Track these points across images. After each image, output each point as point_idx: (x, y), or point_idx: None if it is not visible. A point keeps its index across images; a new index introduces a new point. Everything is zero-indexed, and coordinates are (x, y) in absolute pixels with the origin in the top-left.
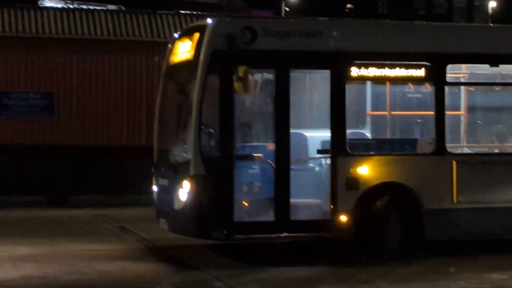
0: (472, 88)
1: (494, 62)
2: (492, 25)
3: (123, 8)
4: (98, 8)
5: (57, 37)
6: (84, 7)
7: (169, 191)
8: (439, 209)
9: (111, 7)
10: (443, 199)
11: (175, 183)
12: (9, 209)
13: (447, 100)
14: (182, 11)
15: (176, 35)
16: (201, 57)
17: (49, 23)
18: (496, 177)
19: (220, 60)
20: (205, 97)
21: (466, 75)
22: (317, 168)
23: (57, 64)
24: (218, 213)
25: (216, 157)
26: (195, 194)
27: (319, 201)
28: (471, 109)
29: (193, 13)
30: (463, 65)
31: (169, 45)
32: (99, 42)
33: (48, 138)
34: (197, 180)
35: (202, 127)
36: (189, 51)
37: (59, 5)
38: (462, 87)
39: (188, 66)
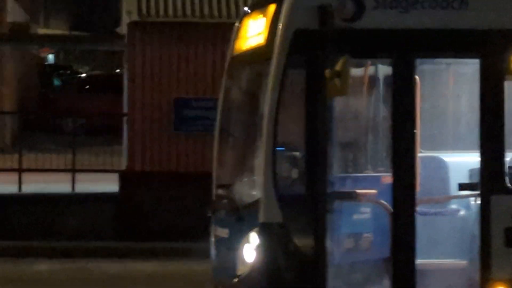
0: None
1: None
2: None
3: None
4: None
5: None
6: None
7: (230, 247)
8: None
9: None
10: None
11: (238, 236)
12: None
13: None
14: None
15: (246, 8)
16: (277, 41)
17: None
18: None
19: (307, 46)
20: (284, 103)
21: None
22: (461, 212)
23: None
24: (303, 283)
25: (299, 195)
26: (268, 253)
27: (463, 262)
28: None
29: None
30: None
31: (236, 24)
32: None
33: None
34: (270, 231)
35: (278, 149)
36: (260, 32)
37: None
38: None
39: (258, 55)
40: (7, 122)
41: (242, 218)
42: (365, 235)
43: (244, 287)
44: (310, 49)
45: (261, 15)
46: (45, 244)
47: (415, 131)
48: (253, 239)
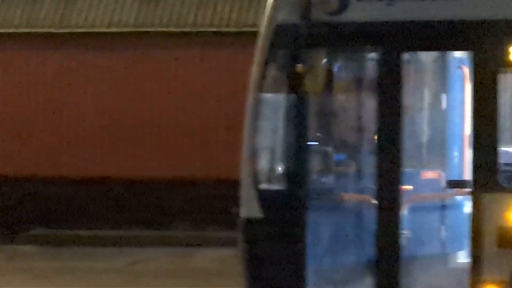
0: None
1: None
2: None
3: None
4: None
5: None
6: None
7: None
8: None
9: None
10: None
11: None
12: None
13: None
14: None
15: None
16: (262, 35)
17: None
18: None
19: (288, 40)
20: (267, 99)
21: None
22: (453, 211)
23: None
24: (280, 281)
25: (279, 191)
26: (247, 249)
27: (455, 263)
28: None
29: None
30: None
31: None
32: None
33: None
34: (250, 227)
35: (259, 141)
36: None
37: None
38: None
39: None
40: None
41: (238, 212)
42: (346, 236)
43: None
44: (291, 43)
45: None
46: None
47: (400, 125)
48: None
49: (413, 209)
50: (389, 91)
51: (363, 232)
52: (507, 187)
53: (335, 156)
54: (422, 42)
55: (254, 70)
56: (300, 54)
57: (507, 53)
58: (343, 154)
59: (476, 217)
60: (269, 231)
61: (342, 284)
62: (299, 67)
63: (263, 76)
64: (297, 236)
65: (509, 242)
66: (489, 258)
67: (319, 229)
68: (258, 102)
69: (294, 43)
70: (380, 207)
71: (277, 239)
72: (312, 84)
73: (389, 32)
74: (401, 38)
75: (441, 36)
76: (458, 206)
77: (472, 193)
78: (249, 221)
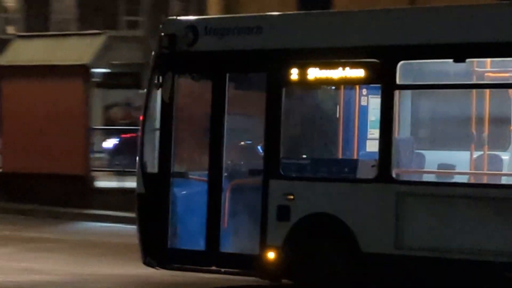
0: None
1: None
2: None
3: None
4: None
5: None
6: None
7: None
8: (379, 254)
9: None
10: (384, 242)
11: None
12: None
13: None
14: None
15: None
16: (151, 62)
17: None
18: (457, 216)
19: (163, 65)
20: (152, 107)
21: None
22: (256, 193)
23: None
24: (153, 237)
25: (154, 173)
26: (137, 215)
27: (254, 231)
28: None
29: None
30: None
31: None
32: None
33: None
34: (138, 199)
35: (147, 137)
36: None
37: None
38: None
39: None
40: None
41: None
42: (193, 205)
43: None
44: (164, 67)
45: None
46: None
47: (224, 129)
48: None
49: (233, 190)
50: (220, 101)
51: (202, 204)
52: (284, 175)
53: (191, 150)
54: (239, 66)
55: (147, 85)
56: (169, 75)
57: (289, 74)
58: (195, 149)
59: (265, 197)
60: (149, 202)
61: (190, 241)
62: (164, 84)
63: (149, 92)
64: (164, 205)
65: (283, 217)
66: (271, 228)
67: (179, 200)
68: (146, 110)
69: (167, 68)
70: (210, 188)
71: (152, 207)
72: (171, 97)
73: (219, 58)
74: (226, 63)
75: (248, 61)
76: (258, 188)
77: (263, 180)
78: (139, 195)
